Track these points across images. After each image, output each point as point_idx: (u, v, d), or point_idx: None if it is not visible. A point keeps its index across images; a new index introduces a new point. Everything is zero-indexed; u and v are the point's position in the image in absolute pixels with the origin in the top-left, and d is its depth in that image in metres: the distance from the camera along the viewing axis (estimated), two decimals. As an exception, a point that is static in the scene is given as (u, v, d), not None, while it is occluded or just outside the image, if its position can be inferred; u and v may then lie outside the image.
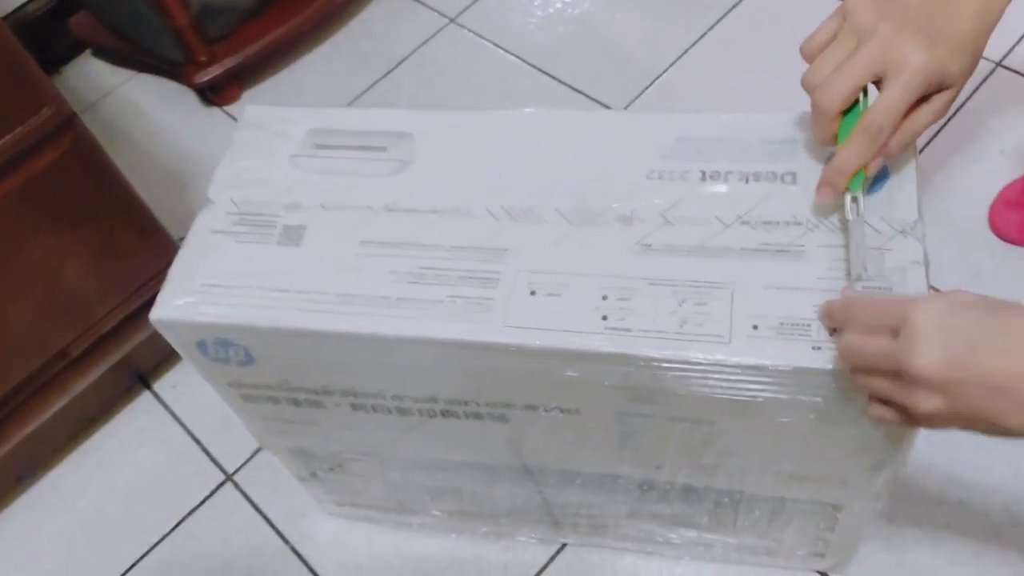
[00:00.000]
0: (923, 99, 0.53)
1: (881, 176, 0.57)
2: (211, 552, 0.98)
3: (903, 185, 0.57)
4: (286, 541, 0.96)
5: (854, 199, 0.55)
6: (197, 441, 1.06)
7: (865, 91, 0.54)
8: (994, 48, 1.16)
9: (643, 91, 1.25)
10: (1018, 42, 1.17)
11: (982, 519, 0.85)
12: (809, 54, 0.56)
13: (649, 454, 0.67)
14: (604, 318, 0.56)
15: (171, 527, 1.00)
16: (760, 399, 0.55)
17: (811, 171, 0.59)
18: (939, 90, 0.53)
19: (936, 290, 0.52)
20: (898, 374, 0.45)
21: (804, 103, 0.57)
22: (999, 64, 1.16)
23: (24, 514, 1.04)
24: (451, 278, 0.60)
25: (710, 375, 0.54)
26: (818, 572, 0.85)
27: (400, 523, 0.92)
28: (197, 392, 1.08)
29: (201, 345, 0.63)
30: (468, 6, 1.43)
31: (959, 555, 0.84)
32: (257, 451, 1.03)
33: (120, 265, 0.97)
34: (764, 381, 0.54)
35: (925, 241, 0.56)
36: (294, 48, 1.42)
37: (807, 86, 0.55)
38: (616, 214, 0.60)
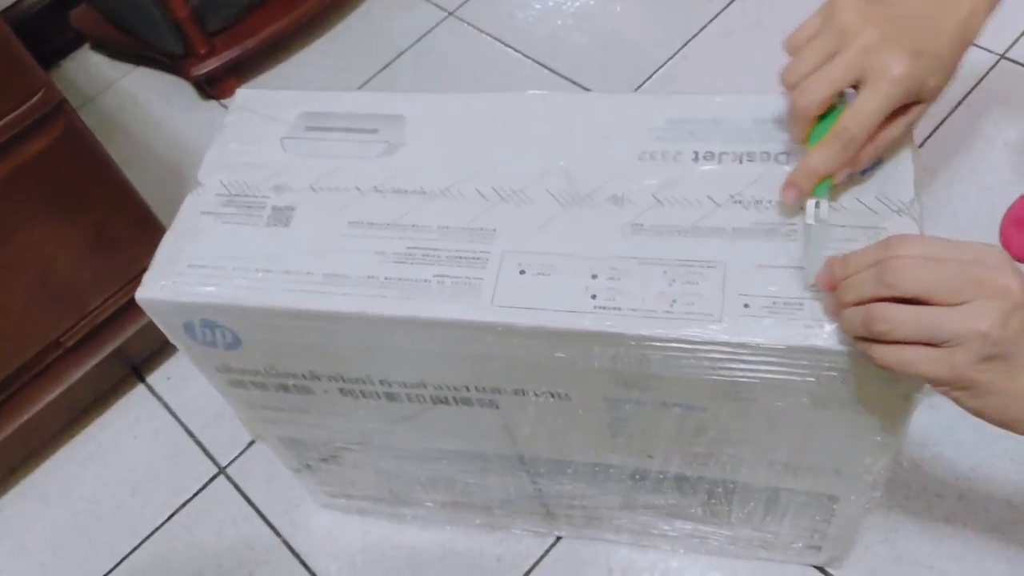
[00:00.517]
0: (897, 111, 0.53)
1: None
2: (204, 544, 0.97)
3: (899, 164, 0.56)
4: (278, 534, 0.95)
5: (817, 204, 0.54)
6: (190, 433, 1.05)
7: (842, 94, 0.53)
8: (998, 40, 1.16)
9: (643, 83, 1.24)
10: (1022, 34, 1.16)
11: (982, 514, 0.84)
12: (792, 49, 0.55)
13: (641, 442, 0.66)
14: (593, 297, 0.55)
15: (164, 519, 0.99)
16: (752, 380, 0.54)
17: (805, 151, 0.58)
18: (913, 103, 0.53)
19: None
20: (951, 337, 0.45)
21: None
22: (1003, 56, 1.15)
23: (17, 504, 1.03)
24: (439, 258, 0.59)
25: (700, 354, 0.53)
26: (815, 566, 0.84)
27: (393, 515, 0.91)
28: (191, 384, 1.08)
29: (188, 327, 0.63)
30: (467, -1, 1.42)
31: (958, 550, 0.83)
32: (250, 444, 1.02)
33: (115, 255, 0.97)
34: (755, 360, 0.53)
35: (922, 222, 0.55)
36: (292, 41, 1.42)
37: (786, 83, 0.55)
38: (607, 195, 0.59)
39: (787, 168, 0.58)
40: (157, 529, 0.99)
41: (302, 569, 0.93)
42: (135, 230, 0.97)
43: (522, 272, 0.57)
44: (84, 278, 0.96)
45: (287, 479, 0.90)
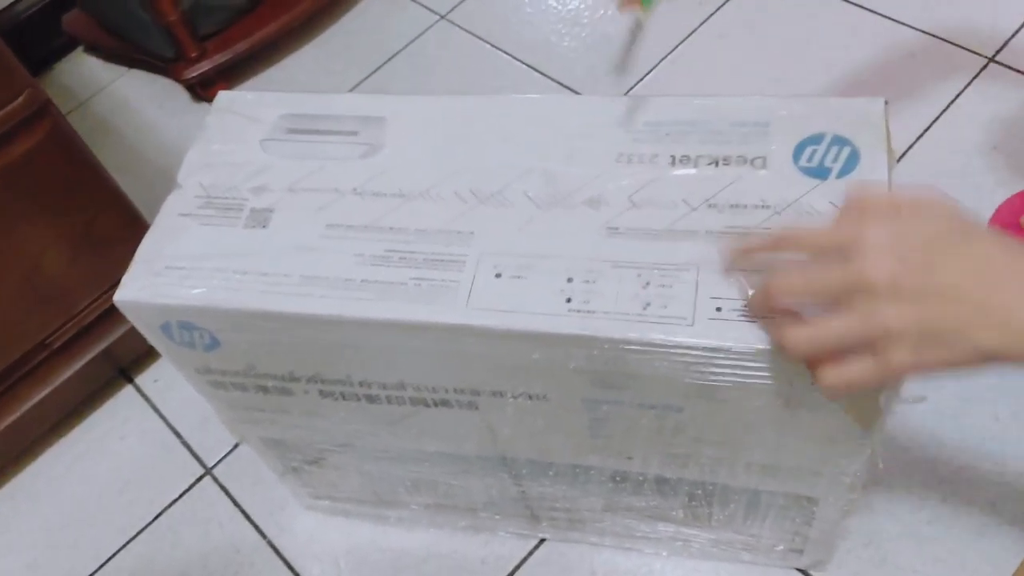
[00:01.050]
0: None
1: (851, 158, 0.56)
2: (189, 545, 0.97)
3: (875, 167, 0.56)
4: (263, 535, 0.96)
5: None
6: (178, 435, 1.05)
7: None
8: (987, 43, 1.16)
9: (634, 86, 1.25)
10: (1011, 38, 1.16)
11: (965, 518, 0.84)
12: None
13: (620, 443, 0.66)
14: (568, 300, 0.55)
15: (150, 520, 0.99)
16: (725, 383, 0.54)
17: (782, 155, 0.58)
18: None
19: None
20: (853, 297, 0.44)
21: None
22: (991, 60, 1.15)
23: (4, 505, 1.03)
24: (416, 261, 0.59)
25: (673, 357, 0.53)
26: (798, 569, 0.84)
27: (378, 516, 0.91)
28: (179, 387, 1.07)
29: (166, 328, 0.63)
30: (459, 2, 1.42)
31: (942, 553, 0.83)
32: (236, 446, 1.02)
33: (102, 256, 0.97)
34: (727, 364, 0.53)
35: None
36: (284, 45, 1.42)
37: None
38: (584, 197, 0.60)
39: (763, 172, 0.58)
40: (143, 529, 0.99)
41: (287, 571, 0.93)
42: (123, 231, 0.97)
43: (498, 275, 0.57)
44: (71, 279, 0.97)
45: (273, 481, 0.90)
